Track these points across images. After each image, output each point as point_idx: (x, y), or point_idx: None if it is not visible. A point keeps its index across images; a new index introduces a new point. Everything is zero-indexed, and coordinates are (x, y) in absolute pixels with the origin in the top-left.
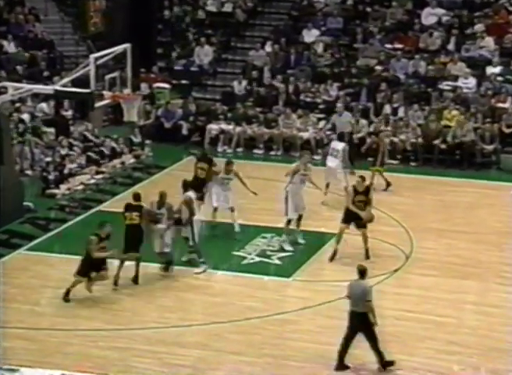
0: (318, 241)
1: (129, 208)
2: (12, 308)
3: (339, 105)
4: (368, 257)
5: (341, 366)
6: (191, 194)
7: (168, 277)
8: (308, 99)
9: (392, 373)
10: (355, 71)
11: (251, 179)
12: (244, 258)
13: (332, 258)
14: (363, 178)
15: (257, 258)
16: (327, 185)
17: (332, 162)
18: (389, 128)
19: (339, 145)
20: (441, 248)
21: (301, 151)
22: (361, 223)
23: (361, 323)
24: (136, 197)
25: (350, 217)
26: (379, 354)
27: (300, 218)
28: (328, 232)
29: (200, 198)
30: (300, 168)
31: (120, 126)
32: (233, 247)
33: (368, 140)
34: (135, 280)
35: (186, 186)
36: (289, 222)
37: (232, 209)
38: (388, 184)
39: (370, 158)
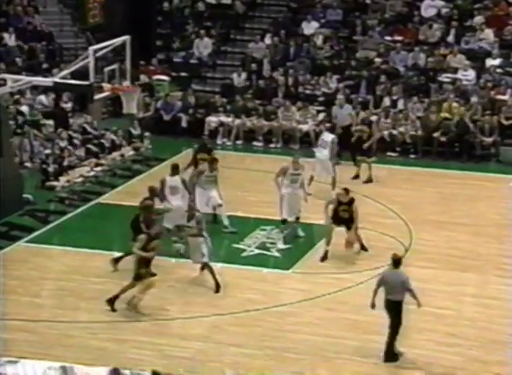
0: (317, 233)
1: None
2: (11, 300)
3: (340, 97)
4: (365, 249)
5: (391, 355)
6: (170, 178)
7: (168, 269)
8: (308, 91)
9: (392, 365)
10: (354, 63)
11: (251, 171)
12: (244, 250)
13: (324, 259)
14: (347, 191)
15: (257, 251)
16: (311, 178)
17: (320, 152)
18: (388, 120)
19: (328, 137)
20: (440, 241)
21: (295, 151)
22: (350, 226)
23: (394, 309)
24: (150, 191)
25: (338, 220)
26: (391, 345)
27: (297, 219)
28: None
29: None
30: (288, 167)
31: (119, 119)
32: (233, 239)
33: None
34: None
35: (174, 170)
36: (284, 222)
37: (219, 205)
38: (357, 176)
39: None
